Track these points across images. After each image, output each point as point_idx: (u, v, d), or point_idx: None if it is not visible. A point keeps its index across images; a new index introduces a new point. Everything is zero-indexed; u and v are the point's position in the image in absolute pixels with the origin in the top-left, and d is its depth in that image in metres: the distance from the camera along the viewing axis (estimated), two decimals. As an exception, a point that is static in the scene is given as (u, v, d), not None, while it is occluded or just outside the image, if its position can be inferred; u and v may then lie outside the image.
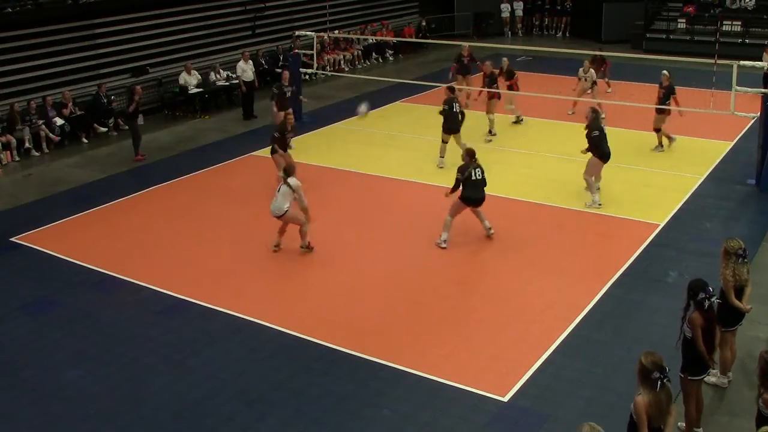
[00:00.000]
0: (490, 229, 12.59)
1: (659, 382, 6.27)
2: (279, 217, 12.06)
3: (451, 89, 16.49)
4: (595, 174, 13.91)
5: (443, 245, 12.35)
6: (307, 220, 12.12)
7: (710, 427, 8.04)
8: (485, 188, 12.37)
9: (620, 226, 13.14)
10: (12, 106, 17.26)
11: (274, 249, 12.33)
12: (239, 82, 20.52)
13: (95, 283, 11.54)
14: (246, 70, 20.59)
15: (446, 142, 15.77)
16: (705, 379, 8.21)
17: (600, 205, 13.77)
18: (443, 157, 15.83)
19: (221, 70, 21.53)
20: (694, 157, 16.58)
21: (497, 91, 17.92)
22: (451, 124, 15.66)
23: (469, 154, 12.42)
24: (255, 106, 20.43)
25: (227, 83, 21.30)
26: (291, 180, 11.97)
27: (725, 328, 8.61)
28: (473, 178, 12.17)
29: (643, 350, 6.60)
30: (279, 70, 23.19)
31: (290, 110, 16.99)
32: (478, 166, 12.30)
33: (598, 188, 13.99)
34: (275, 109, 17.27)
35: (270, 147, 14.67)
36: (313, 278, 11.69)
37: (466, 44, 21.04)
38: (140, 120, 17.47)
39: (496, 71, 18.59)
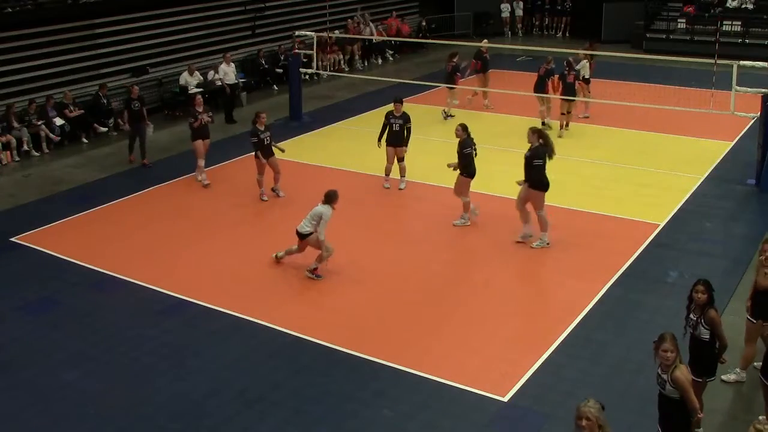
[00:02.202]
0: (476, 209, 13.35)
1: None
2: (301, 238, 11.42)
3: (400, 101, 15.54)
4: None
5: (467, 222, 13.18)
6: (321, 257, 11.38)
7: (710, 427, 8.04)
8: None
9: (620, 226, 13.14)
10: (8, 107, 17.22)
11: (276, 259, 11.90)
12: (222, 85, 20.39)
13: (95, 283, 11.53)
14: (228, 72, 20.50)
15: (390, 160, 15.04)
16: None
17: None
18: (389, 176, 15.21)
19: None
20: (694, 157, 16.58)
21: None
22: (390, 138, 14.97)
23: (464, 128, 13.06)
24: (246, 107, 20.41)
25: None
26: (323, 207, 11.22)
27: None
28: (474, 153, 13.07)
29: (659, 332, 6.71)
30: (279, 70, 23.26)
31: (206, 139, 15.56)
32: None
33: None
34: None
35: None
36: (313, 278, 11.67)
37: (485, 41, 21.67)
38: (150, 130, 16.87)
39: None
